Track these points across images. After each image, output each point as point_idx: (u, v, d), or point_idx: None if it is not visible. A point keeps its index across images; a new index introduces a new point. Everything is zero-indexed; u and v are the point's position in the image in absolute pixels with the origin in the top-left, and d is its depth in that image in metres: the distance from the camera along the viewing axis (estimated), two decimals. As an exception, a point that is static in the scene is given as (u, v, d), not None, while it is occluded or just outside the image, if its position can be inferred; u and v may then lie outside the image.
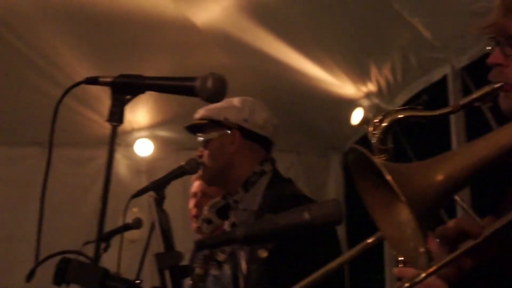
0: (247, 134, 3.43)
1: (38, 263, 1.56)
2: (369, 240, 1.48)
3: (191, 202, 4.42)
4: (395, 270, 2.24)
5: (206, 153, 3.42)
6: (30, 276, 1.60)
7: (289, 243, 2.52)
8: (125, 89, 1.70)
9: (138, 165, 7.50)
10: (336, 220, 1.28)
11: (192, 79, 1.73)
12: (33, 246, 1.66)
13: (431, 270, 1.43)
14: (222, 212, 3.46)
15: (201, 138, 3.45)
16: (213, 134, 3.42)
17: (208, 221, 3.47)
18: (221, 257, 3.44)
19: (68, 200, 7.27)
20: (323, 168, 7.99)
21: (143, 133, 7.36)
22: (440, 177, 1.40)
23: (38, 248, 1.65)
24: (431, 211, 1.40)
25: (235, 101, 3.47)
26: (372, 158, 1.38)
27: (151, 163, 7.46)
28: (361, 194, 1.46)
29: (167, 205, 3.04)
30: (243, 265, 3.33)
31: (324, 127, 7.58)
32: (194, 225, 4.25)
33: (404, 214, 1.44)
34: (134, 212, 3.83)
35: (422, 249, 1.38)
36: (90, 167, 7.42)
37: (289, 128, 7.05)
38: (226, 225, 3.38)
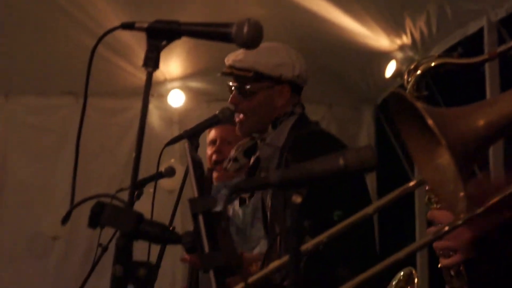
0: (295, 88, 3.43)
1: (74, 205, 1.57)
2: (411, 184, 1.48)
3: (210, 150, 4.44)
4: (430, 213, 2.24)
5: (248, 104, 3.41)
6: (66, 219, 1.61)
7: (322, 188, 2.54)
8: (161, 35, 1.69)
9: (170, 116, 7.52)
10: (371, 166, 1.27)
11: (228, 25, 1.72)
12: (67, 193, 1.68)
13: (470, 214, 1.43)
14: (250, 152, 3.47)
15: (247, 88, 3.41)
16: (262, 87, 3.40)
17: (235, 160, 3.48)
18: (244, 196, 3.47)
19: (101, 149, 7.33)
20: (355, 121, 7.97)
21: (175, 84, 7.36)
22: (481, 123, 1.40)
23: (73, 192, 1.67)
24: (471, 156, 1.40)
25: (282, 52, 3.44)
26: (415, 103, 1.38)
27: (182, 114, 7.48)
28: (403, 139, 1.46)
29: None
30: (268, 203, 3.37)
31: (357, 79, 7.53)
32: (215, 173, 4.26)
33: (445, 158, 1.44)
34: (168, 162, 3.87)
35: (461, 194, 1.37)
36: (123, 117, 7.45)
37: (322, 80, 7.02)
38: (251, 160, 3.41)
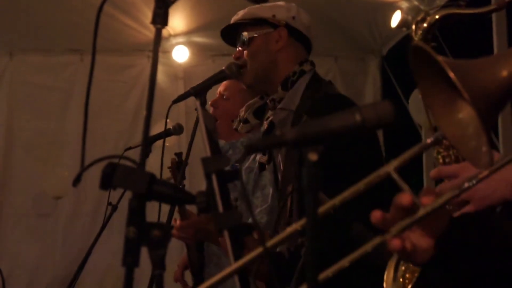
0: (293, 32, 3.40)
1: (85, 167, 1.55)
2: (428, 141, 1.45)
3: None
4: (439, 169, 2.22)
5: (247, 53, 3.38)
6: (77, 180, 1.59)
7: (339, 145, 2.51)
8: (169, -10, 1.66)
9: (175, 71, 7.50)
10: (389, 121, 1.24)
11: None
12: (75, 151, 1.66)
13: (494, 167, 1.40)
14: (259, 112, 3.44)
15: (244, 35, 3.39)
16: (258, 31, 3.38)
17: (245, 121, 3.46)
18: (262, 158, 3.45)
19: (106, 107, 7.32)
20: (361, 72, 7.94)
21: (180, 39, 7.33)
22: (504, 73, 1.37)
23: (83, 153, 1.64)
24: (494, 109, 1.37)
25: (279, 2, 3.44)
26: (435, 55, 1.35)
27: (188, 69, 7.46)
28: (421, 93, 1.43)
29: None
30: (280, 162, 3.35)
31: (362, 30, 7.48)
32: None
33: (466, 112, 1.41)
34: (168, 123, 3.84)
35: (484, 148, 1.35)
36: (128, 74, 7.44)
37: (327, 32, 6.97)
38: (265, 125, 3.37)
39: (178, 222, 3.43)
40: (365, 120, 1.24)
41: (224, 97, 4.27)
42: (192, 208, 3.45)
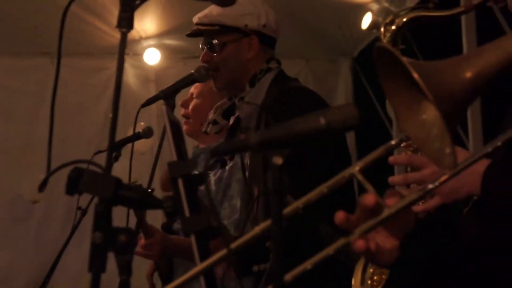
0: (264, 39, 3.40)
1: (50, 173, 1.54)
2: (393, 142, 1.45)
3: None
4: (409, 157, 2.23)
5: (218, 58, 3.38)
6: (43, 186, 1.58)
7: (304, 148, 2.52)
8: (134, -6, 1.65)
9: (146, 74, 7.48)
10: (353, 124, 1.25)
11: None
12: (46, 155, 1.65)
13: (457, 169, 1.40)
14: (228, 113, 3.45)
15: (214, 43, 3.38)
16: (229, 39, 3.37)
17: (214, 122, 3.47)
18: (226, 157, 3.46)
19: (78, 110, 7.29)
20: (332, 74, 7.95)
21: (151, 42, 7.31)
22: (468, 74, 1.37)
23: (49, 157, 1.63)
24: (458, 110, 1.38)
25: (246, 4, 3.41)
26: (399, 56, 1.35)
27: (159, 72, 7.45)
28: (386, 94, 1.43)
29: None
30: (247, 161, 3.36)
31: (333, 32, 7.49)
32: (185, 126, 4.18)
33: (430, 113, 1.42)
34: (141, 126, 3.83)
35: (448, 150, 1.35)
36: (100, 77, 7.40)
37: (298, 34, 6.98)
38: (231, 120, 3.38)
39: (142, 241, 3.43)
40: (330, 124, 1.25)
41: (194, 96, 4.26)
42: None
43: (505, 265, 1.79)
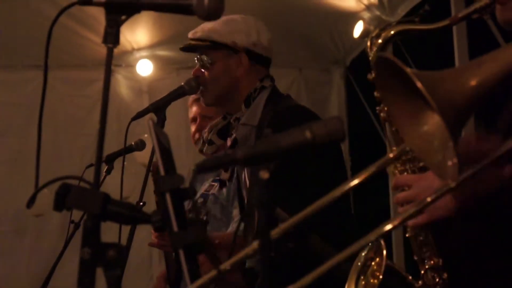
0: (254, 57, 3.40)
1: (38, 189, 1.54)
2: (391, 155, 1.45)
3: (192, 128, 4.38)
4: (396, 179, 2.24)
5: (208, 75, 3.39)
6: (31, 202, 1.58)
7: (291, 162, 2.52)
8: (120, 9, 1.66)
9: (139, 85, 7.48)
10: (338, 137, 1.25)
11: (188, -3, 1.68)
12: (41, 169, 1.65)
13: (460, 179, 1.39)
14: (224, 132, 3.45)
15: (204, 59, 3.39)
16: (219, 56, 3.38)
17: (210, 142, 3.48)
18: (224, 175, 3.46)
19: (71, 122, 7.28)
20: (325, 83, 7.96)
21: (143, 53, 7.31)
22: (472, 83, 1.37)
23: (37, 173, 1.63)
24: (461, 119, 1.37)
25: (239, 22, 3.42)
26: (403, 67, 1.35)
27: (152, 83, 7.44)
28: (386, 105, 1.43)
29: (170, 128, 3.03)
30: (246, 181, 3.35)
31: (325, 41, 7.50)
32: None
33: (432, 124, 1.41)
34: (145, 138, 3.83)
35: (451, 162, 1.34)
36: (92, 88, 7.38)
37: (290, 44, 6.99)
38: (228, 142, 3.39)
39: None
40: (315, 137, 1.25)
41: (208, 117, 4.21)
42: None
43: None
